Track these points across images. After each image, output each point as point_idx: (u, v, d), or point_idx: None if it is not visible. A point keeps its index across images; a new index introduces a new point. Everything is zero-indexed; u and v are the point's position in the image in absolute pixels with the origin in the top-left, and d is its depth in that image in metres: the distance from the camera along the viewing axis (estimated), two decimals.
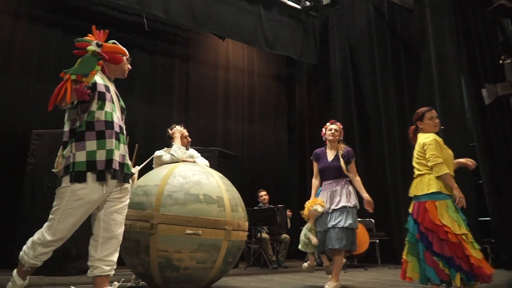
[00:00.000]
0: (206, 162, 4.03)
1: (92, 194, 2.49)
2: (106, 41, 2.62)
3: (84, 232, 5.14)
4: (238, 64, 9.30)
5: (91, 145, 2.51)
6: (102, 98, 2.61)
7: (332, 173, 4.05)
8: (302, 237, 4.05)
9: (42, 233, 2.49)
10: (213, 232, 3.25)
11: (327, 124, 4.26)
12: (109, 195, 2.62)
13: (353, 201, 3.98)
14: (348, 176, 4.09)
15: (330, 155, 4.14)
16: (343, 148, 4.17)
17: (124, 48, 2.81)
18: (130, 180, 2.80)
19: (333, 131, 4.16)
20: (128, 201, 2.79)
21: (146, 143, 6.87)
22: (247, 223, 3.72)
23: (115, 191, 2.65)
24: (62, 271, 4.71)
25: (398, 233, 6.85)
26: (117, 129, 2.65)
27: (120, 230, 2.68)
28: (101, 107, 2.60)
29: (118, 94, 2.87)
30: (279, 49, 8.36)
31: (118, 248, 2.69)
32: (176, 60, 8.30)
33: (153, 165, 4.02)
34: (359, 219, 6.60)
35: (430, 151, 3.48)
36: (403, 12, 7.40)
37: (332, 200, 3.96)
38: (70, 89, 2.33)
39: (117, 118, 2.69)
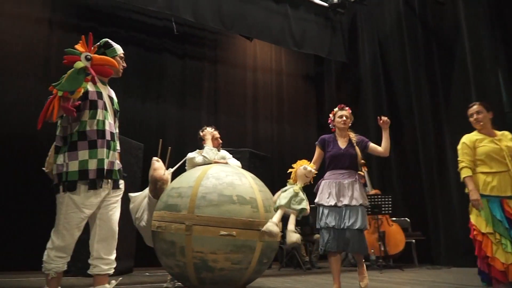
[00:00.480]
0: (238, 163, 4.03)
1: (86, 200, 2.58)
2: (100, 39, 2.73)
3: (121, 234, 5.25)
4: (266, 64, 9.30)
5: (83, 154, 2.58)
6: (94, 106, 2.66)
7: (346, 161, 3.63)
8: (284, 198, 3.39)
9: (51, 238, 2.58)
10: (247, 233, 3.24)
11: (335, 109, 3.87)
12: (105, 199, 2.71)
13: (366, 200, 3.63)
14: (361, 167, 3.77)
15: (342, 142, 3.73)
16: (355, 135, 3.79)
17: (118, 46, 2.89)
18: (122, 182, 2.86)
19: (344, 118, 3.75)
20: (120, 201, 2.88)
21: (178, 145, 6.95)
22: (280, 224, 3.69)
23: (108, 196, 2.74)
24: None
25: (435, 233, 6.67)
26: (108, 137, 2.71)
27: (115, 228, 2.79)
28: (93, 116, 2.65)
29: (112, 96, 2.90)
30: (307, 48, 8.31)
31: (115, 246, 2.80)
32: (205, 63, 8.37)
33: (185, 167, 4.06)
34: (394, 219, 6.53)
35: (459, 156, 3.64)
36: (435, 4, 7.20)
37: (343, 193, 3.55)
38: (57, 107, 2.38)
39: (109, 125, 2.74)
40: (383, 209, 5.96)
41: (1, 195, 5.72)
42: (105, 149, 2.65)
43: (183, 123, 7.76)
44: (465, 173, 3.49)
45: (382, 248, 5.97)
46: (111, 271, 2.75)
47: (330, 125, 3.90)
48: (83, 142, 2.59)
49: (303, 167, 3.42)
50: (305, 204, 3.36)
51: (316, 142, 3.85)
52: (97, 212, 2.70)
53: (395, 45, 7.98)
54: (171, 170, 3.92)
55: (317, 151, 3.82)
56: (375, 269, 5.99)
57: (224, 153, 4.15)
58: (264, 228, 3.13)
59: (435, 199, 6.75)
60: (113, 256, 2.77)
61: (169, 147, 4.03)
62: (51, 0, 6.77)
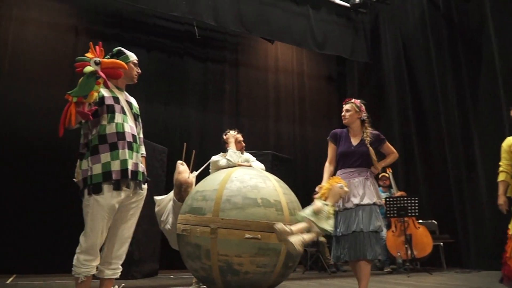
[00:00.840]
0: (262, 166, 4.03)
1: (111, 201, 2.61)
2: (111, 49, 2.73)
3: (146, 237, 5.35)
4: (287, 66, 9.27)
5: (105, 157, 2.62)
6: (111, 110, 2.70)
7: (357, 160, 3.30)
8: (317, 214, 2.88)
9: (80, 243, 2.62)
10: (272, 236, 3.21)
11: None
12: (125, 201, 2.74)
13: (380, 198, 3.29)
14: (376, 168, 3.36)
15: (355, 139, 3.40)
16: (369, 133, 3.40)
17: (130, 53, 2.91)
18: (145, 186, 2.88)
19: (344, 112, 3.45)
20: (141, 205, 2.89)
21: (201, 148, 7.01)
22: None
23: (130, 198, 2.77)
24: (127, 275, 4.88)
25: (464, 236, 6.50)
26: (129, 138, 2.74)
27: (130, 233, 2.83)
28: (111, 119, 2.69)
29: (131, 101, 2.93)
30: (329, 49, 8.25)
31: (126, 251, 2.83)
32: (227, 66, 8.42)
33: (209, 170, 4.08)
34: (421, 221, 6.39)
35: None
36: (460, 2, 7.03)
37: (353, 193, 3.20)
38: (74, 112, 2.45)
39: (129, 128, 2.78)
40: (409, 211, 5.84)
41: (35, 201, 5.88)
42: (126, 150, 2.69)
43: (206, 127, 7.81)
44: (499, 177, 3.60)
45: (409, 251, 5.85)
46: (116, 276, 2.78)
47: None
48: (104, 145, 2.64)
49: (340, 186, 3.00)
50: (331, 226, 2.89)
51: (328, 137, 3.51)
52: (116, 218, 2.73)
53: (419, 44, 7.83)
54: (196, 173, 3.95)
55: (331, 147, 3.48)
56: (402, 272, 5.88)
57: (247, 156, 4.16)
58: (292, 241, 2.71)
59: (463, 200, 6.57)
60: (121, 262, 2.81)
61: (193, 151, 4.05)
62: (77, 8, 6.94)
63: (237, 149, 4.09)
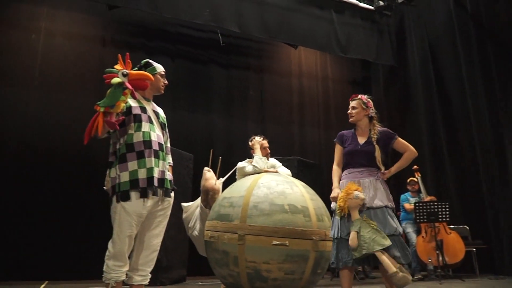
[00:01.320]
0: (288, 172, 4.03)
1: (138, 208, 2.67)
2: (137, 58, 2.81)
3: (174, 243, 5.40)
4: (311, 71, 9.23)
5: (132, 165, 2.69)
6: (138, 120, 2.78)
7: (362, 159, 3.14)
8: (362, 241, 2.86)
9: (108, 249, 2.68)
10: (300, 243, 3.20)
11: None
12: (152, 209, 2.78)
13: (391, 201, 3.09)
14: (380, 168, 3.17)
15: (362, 138, 3.26)
16: (376, 130, 3.23)
17: (158, 65, 3.01)
18: (172, 194, 2.92)
19: (350, 110, 3.31)
20: (169, 213, 2.93)
21: (226, 155, 7.02)
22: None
23: (157, 205, 2.81)
24: (155, 282, 4.93)
25: (497, 241, 6.29)
26: (155, 147, 2.80)
27: (158, 241, 2.87)
28: (138, 128, 2.76)
29: (157, 111, 3.01)
30: (353, 53, 8.17)
31: (155, 258, 2.87)
32: (250, 72, 8.44)
33: (236, 177, 4.09)
34: (452, 227, 6.23)
35: None
36: (488, 1, 6.86)
37: (367, 194, 3.03)
38: (102, 122, 2.53)
39: (156, 136, 2.84)
40: (440, 216, 5.70)
41: (66, 209, 6.02)
42: (153, 159, 2.75)
43: (231, 133, 7.84)
44: None
45: (441, 258, 5.71)
46: (145, 282, 2.84)
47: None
48: (131, 153, 2.71)
49: (356, 196, 2.91)
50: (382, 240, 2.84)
51: (335, 139, 3.40)
52: (144, 222, 2.77)
53: (447, 46, 7.66)
54: (222, 179, 3.98)
55: (338, 149, 3.33)
56: (434, 279, 5.74)
57: (274, 161, 4.16)
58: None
59: (496, 204, 6.37)
60: (150, 269, 2.86)
61: (220, 157, 4.08)
62: (103, 19, 7.10)
63: (262, 155, 4.09)
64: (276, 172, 3.93)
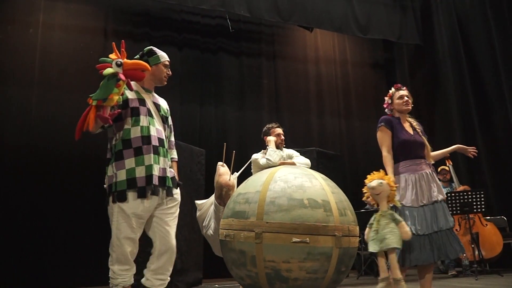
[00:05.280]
0: (307, 161, 3.99)
1: (136, 210, 2.63)
2: (142, 49, 2.79)
3: (188, 245, 5.45)
4: (329, 56, 9.16)
5: (130, 162, 2.64)
6: (135, 113, 2.72)
7: (419, 150, 3.32)
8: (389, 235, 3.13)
9: (110, 254, 2.68)
10: (321, 239, 3.18)
11: (391, 91, 3.53)
12: (157, 209, 2.76)
13: (443, 193, 3.30)
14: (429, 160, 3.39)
15: (407, 127, 3.43)
16: (414, 121, 3.50)
17: (162, 54, 2.93)
18: (177, 191, 2.90)
19: (405, 98, 3.43)
20: (177, 212, 2.90)
21: (240, 148, 7.05)
22: (357, 228, 3.61)
23: (161, 204, 2.79)
24: (170, 286, 4.97)
25: None
26: (155, 142, 2.74)
27: (170, 244, 2.82)
28: (136, 122, 2.71)
29: (159, 103, 2.95)
30: (374, 33, 8.09)
31: (173, 261, 2.85)
32: (263, 59, 8.42)
33: (251, 170, 4.10)
34: (488, 218, 6.15)
35: None
36: None
37: (428, 188, 3.22)
38: (93, 116, 2.46)
39: (156, 131, 2.78)
40: (474, 207, 5.64)
41: (72, 210, 6.11)
42: (152, 155, 2.70)
43: (244, 125, 7.85)
44: None
45: (476, 252, 5.65)
46: (163, 287, 2.83)
47: (386, 110, 3.58)
48: (129, 150, 2.67)
49: (370, 186, 3.13)
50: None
51: (382, 124, 3.42)
52: (155, 226, 2.77)
53: (477, 20, 7.51)
54: (236, 174, 3.98)
55: (387, 134, 3.38)
56: (470, 275, 5.68)
57: (290, 151, 4.14)
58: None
59: None
60: (169, 272, 2.84)
61: (233, 151, 4.08)
62: (104, 9, 7.16)
63: (277, 143, 4.09)
64: (293, 164, 3.92)
